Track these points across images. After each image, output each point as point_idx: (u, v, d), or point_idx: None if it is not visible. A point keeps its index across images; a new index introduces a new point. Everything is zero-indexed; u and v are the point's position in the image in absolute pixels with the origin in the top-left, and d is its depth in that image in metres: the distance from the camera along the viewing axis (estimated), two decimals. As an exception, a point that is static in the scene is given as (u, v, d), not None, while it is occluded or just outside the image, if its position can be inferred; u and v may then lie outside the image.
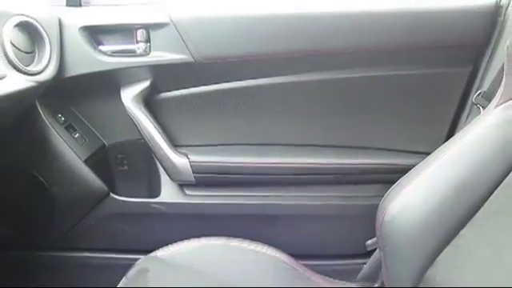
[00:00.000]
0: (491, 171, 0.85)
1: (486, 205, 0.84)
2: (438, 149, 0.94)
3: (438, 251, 0.86)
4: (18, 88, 0.99)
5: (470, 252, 0.82)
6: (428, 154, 0.95)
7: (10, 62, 0.98)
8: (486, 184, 0.85)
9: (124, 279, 0.94)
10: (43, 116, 1.22)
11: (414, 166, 0.96)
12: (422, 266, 0.87)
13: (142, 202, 1.33)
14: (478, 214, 0.84)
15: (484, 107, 1.05)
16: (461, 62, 1.20)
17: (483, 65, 1.18)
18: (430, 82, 1.22)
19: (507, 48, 0.89)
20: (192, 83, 1.25)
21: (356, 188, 1.31)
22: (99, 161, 1.35)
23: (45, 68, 1.09)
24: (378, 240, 0.97)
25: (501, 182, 0.84)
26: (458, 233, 0.85)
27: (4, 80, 0.94)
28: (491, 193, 0.84)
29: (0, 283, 1.37)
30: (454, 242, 0.85)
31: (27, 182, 1.28)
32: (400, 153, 1.28)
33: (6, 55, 0.97)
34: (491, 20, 1.14)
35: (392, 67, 1.21)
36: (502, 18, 1.14)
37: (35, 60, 1.09)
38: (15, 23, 1.01)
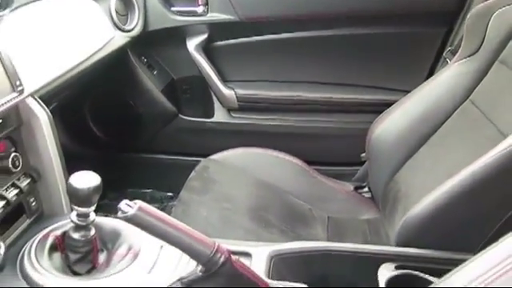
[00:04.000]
0: (443, 108, 1.01)
1: (438, 131, 1.01)
2: (414, 89, 1.10)
3: (403, 161, 1.04)
4: (122, 43, 1.19)
5: (421, 163, 1.01)
6: (409, 91, 1.10)
7: (115, 25, 1.18)
8: (439, 116, 1.02)
9: (193, 172, 1.14)
10: (132, 59, 1.40)
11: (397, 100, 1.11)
12: (392, 170, 1.05)
13: (200, 121, 1.50)
14: (432, 137, 1.02)
15: (450, 60, 1.16)
16: (439, 24, 1.31)
17: (456, 27, 1.28)
18: (415, 38, 1.33)
19: (467, 19, 1.04)
20: (238, 36, 1.41)
21: (356, 116, 1.43)
22: (170, 90, 1.51)
23: (135, 26, 1.28)
24: (366, 152, 1.16)
25: (449, 116, 1.00)
26: (418, 150, 1.03)
27: (113, 39, 1.14)
28: (443, 123, 1.01)
29: (100, 174, 1.63)
30: (414, 156, 1.03)
31: (122, 104, 1.47)
32: (389, 91, 1.39)
33: (112, 20, 1.17)
34: None
35: (386, 27, 1.33)
36: (474, -12, 1.22)
37: (128, 20, 1.28)
38: None
